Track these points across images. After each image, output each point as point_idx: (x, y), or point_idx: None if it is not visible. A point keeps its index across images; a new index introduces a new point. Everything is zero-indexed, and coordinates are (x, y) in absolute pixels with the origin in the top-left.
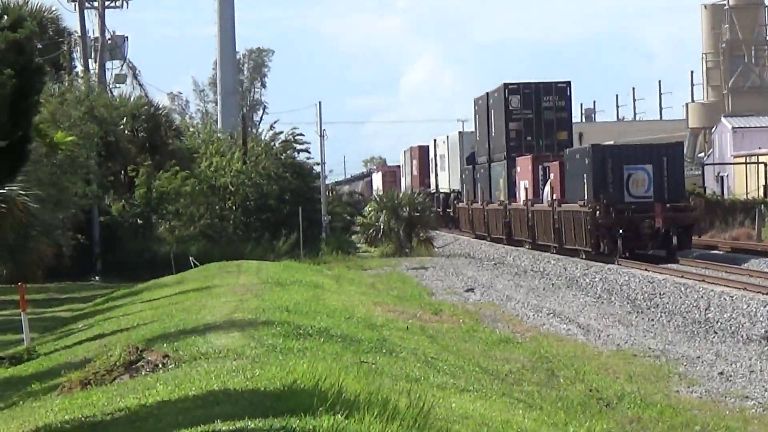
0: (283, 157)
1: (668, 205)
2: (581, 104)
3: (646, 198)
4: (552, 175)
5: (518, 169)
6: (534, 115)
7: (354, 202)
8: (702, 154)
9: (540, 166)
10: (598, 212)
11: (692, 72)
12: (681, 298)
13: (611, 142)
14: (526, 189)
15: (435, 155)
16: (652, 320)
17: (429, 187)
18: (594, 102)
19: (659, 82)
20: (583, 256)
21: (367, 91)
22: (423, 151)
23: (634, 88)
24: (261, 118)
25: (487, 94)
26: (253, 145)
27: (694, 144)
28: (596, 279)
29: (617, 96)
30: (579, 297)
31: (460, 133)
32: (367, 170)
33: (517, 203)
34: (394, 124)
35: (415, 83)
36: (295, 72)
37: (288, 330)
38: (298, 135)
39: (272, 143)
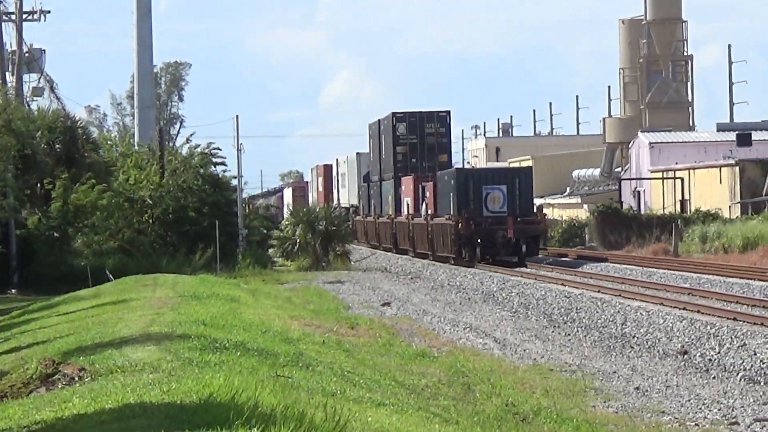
0: (201, 171)
1: (519, 219)
2: (498, 119)
3: (501, 213)
4: (428, 193)
5: (403, 187)
6: (418, 140)
7: (270, 216)
8: (619, 169)
9: (420, 185)
10: (460, 225)
11: (609, 87)
12: (597, 312)
13: (476, 165)
14: (408, 205)
15: (338, 173)
16: (569, 335)
17: (332, 202)
18: (511, 116)
19: (576, 96)
20: (452, 262)
21: (288, 105)
22: (328, 169)
23: (551, 103)
24: (178, 132)
25: (379, 120)
26: (171, 159)
27: (611, 159)
28: (513, 293)
29: (534, 111)
30: (495, 311)
31: (357, 154)
32: (281, 185)
33: (401, 217)
34: (314, 139)
35: (336, 97)
36: (214, 85)
37: (204, 344)
38: (214, 149)
39: (192, 156)
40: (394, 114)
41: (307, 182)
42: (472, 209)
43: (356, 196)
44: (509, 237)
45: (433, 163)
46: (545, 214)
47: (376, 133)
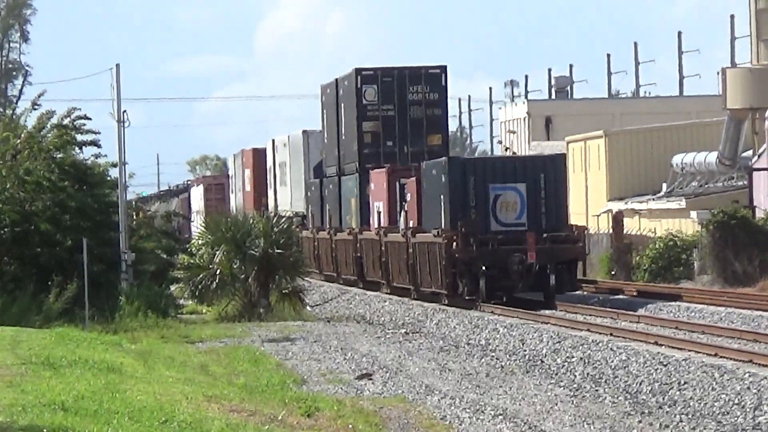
0: (59, 156)
1: (545, 236)
2: (549, 70)
3: (518, 226)
4: (409, 195)
5: (372, 186)
6: (396, 111)
7: (173, 231)
8: (748, 153)
9: (397, 183)
10: (456, 244)
11: (733, 17)
12: (714, 389)
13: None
14: (380, 213)
15: (274, 163)
16: (667, 427)
17: (267, 207)
18: (570, 66)
19: (678, 33)
20: (445, 302)
21: (203, 48)
22: (259, 156)
23: (636, 44)
24: (21, 91)
25: (336, 81)
26: (8, 135)
27: (735, 135)
28: (573, 358)
29: (609, 56)
30: (546, 388)
31: (304, 132)
32: (188, 181)
33: (370, 232)
34: (246, 104)
35: (282, 37)
36: (79, 16)
37: None
38: (78, 117)
39: (42, 132)
40: (358, 71)
41: (228, 176)
42: (473, 220)
43: (302, 199)
44: (530, 263)
45: (420, 148)
46: (622, 226)
47: (332, 101)
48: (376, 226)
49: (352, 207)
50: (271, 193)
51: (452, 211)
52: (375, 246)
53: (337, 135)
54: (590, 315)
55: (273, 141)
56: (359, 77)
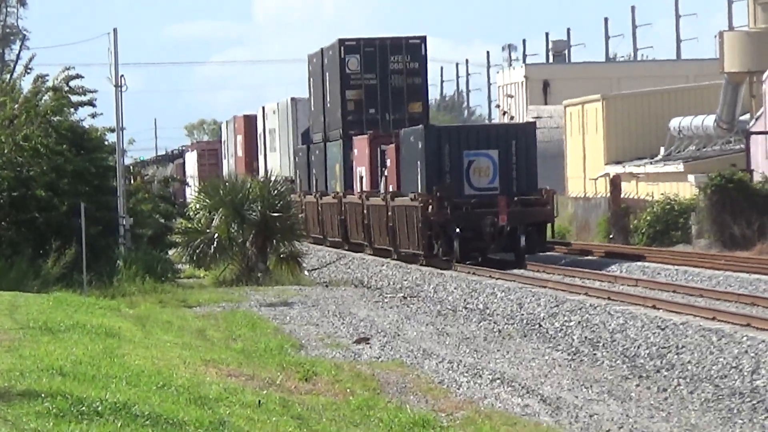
0: (55, 120)
1: (516, 199)
2: (546, 34)
3: (491, 190)
4: (389, 161)
5: (355, 151)
6: (378, 80)
7: (170, 195)
8: (746, 116)
9: (379, 149)
10: (431, 207)
11: None
12: (712, 353)
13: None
14: (362, 177)
15: (264, 129)
16: (665, 390)
17: (257, 172)
18: (568, 30)
19: None
20: (422, 261)
21: (202, 13)
22: (250, 122)
23: (633, 7)
24: (18, 56)
25: (321, 51)
26: (6, 100)
27: (733, 99)
28: (571, 322)
29: (606, 20)
30: (544, 352)
31: (292, 99)
32: (183, 146)
33: (353, 196)
34: (244, 68)
35: (281, 3)
36: None
37: (63, 407)
38: (72, 76)
39: (39, 97)
40: (341, 42)
41: (221, 142)
42: (448, 185)
43: (291, 164)
44: (501, 225)
45: (402, 115)
46: (620, 190)
47: (318, 70)
48: (358, 190)
49: (337, 172)
50: (261, 158)
51: (428, 176)
52: (358, 209)
53: (322, 103)
54: (588, 279)
55: (263, 108)
56: (342, 47)
